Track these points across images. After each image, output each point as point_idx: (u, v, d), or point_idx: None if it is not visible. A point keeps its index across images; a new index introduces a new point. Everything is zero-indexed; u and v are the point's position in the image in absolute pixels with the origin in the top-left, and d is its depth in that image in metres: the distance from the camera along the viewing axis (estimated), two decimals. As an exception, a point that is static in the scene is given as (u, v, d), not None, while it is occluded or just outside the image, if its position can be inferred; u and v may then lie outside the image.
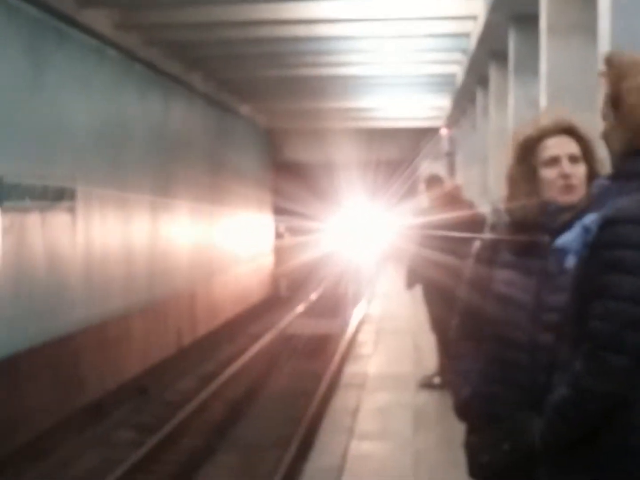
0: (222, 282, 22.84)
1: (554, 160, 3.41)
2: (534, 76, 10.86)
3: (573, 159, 3.41)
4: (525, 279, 3.37)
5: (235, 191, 24.72)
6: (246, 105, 26.30)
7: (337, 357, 17.23)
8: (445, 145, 28.86)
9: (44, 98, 12.71)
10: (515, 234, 3.48)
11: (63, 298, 13.14)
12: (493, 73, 15.88)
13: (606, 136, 2.84)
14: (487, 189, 16.00)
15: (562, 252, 2.91)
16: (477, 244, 3.73)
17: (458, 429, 3.53)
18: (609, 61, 2.84)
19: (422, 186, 10.84)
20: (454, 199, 10.41)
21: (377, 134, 31.46)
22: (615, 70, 2.80)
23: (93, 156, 14.30)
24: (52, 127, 12.88)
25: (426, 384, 10.23)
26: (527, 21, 11.92)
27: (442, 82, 21.43)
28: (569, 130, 3.44)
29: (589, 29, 8.43)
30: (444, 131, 28.59)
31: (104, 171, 14.72)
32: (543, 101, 9.66)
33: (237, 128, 25.74)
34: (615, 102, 2.79)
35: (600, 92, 2.86)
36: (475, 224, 9.91)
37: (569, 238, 2.87)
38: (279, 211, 31.98)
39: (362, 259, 37.38)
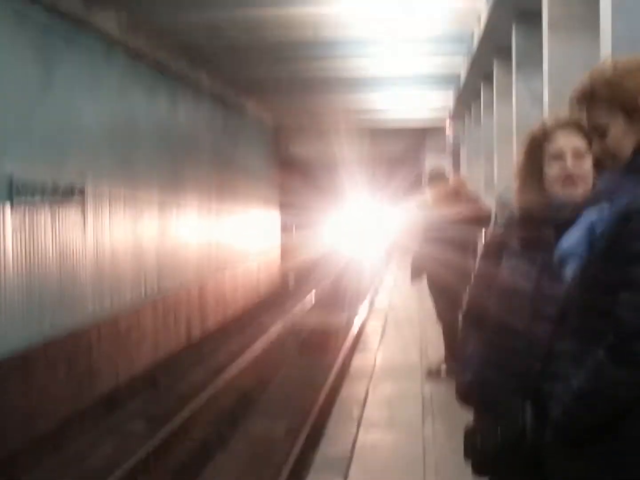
0: (230, 276, 23.01)
1: (559, 155, 3.42)
2: (538, 72, 10.87)
3: (577, 153, 3.42)
4: (528, 269, 3.40)
5: (243, 187, 24.86)
6: (253, 103, 26.40)
7: (345, 348, 17.34)
8: (449, 141, 28.95)
9: (54, 98, 12.86)
10: (522, 227, 3.51)
11: (74, 293, 13.33)
12: (497, 69, 15.94)
13: (616, 141, 2.86)
14: (492, 183, 16.09)
15: (566, 256, 2.91)
16: (484, 238, 3.77)
17: (466, 418, 3.58)
18: (614, 69, 2.88)
19: (426, 181, 10.85)
20: (458, 193, 10.49)
21: (383, 131, 31.54)
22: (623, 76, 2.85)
23: (102, 153, 14.46)
24: (62, 127, 13.02)
25: (433, 374, 10.32)
26: (530, 17, 11.90)
27: (446, 79, 21.55)
28: (576, 125, 3.42)
29: (592, 24, 8.41)
30: (448, 126, 28.66)
31: (113, 168, 14.87)
32: (546, 97, 9.70)
33: (244, 126, 25.86)
34: (625, 107, 2.83)
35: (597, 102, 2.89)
36: (480, 218, 10.06)
37: (573, 241, 2.87)
38: (285, 207, 32.04)
39: (368, 253, 37.44)
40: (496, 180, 15.45)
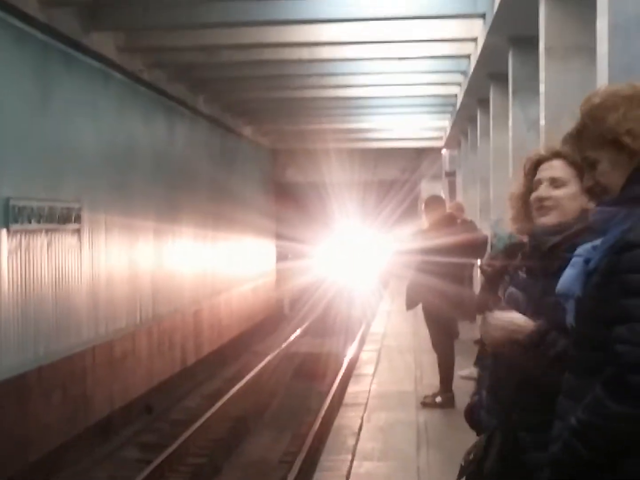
0: (225, 302, 22.94)
1: (537, 184, 3.48)
2: (534, 97, 10.88)
3: (553, 182, 3.44)
4: (521, 298, 3.41)
5: (239, 216, 24.84)
6: (249, 126, 26.44)
7: (339, 376, 17.28)
8: (445, 166, 28.96)
9: (51, 121, 12.84)
10: (515, 255, 3.55)
11: (69, 318, 13.26)
12: (493, 94, 15.95)
13: (605, 174, 2.82)
14: (488, 209, 16.07)
15: (564, 297, 2.86)
16: (482, 267, 3.79)
17: (460, 447, 3.57)
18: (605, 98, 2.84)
19: (422, 207, 10.76)
20: (453, 220, 10.43)
21: (379, 154, 31.56)
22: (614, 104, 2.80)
23: (99, 178, 14.42)
24: (58, 150, 12.99)
25: (428, 403, 10.23)
26: (527, 43, 11.93)
27: (442, 103, 21.58)
28: (562, 155, 3.46)
29: (588, 50, 8.44)
30: (444, 151, 28.69)
31: (109, 192, 14.83)
32: (542, 122, 9.70)
33: (240, 149, 25.86)
34: (611, 141, 2.79)
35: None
36: (476, 245, 10.01)
37: (568, 280, 2.83)
38: (281, 234, 32.10)
39: (363, 279, 37.41)
40: (492, 206, 15.42)
